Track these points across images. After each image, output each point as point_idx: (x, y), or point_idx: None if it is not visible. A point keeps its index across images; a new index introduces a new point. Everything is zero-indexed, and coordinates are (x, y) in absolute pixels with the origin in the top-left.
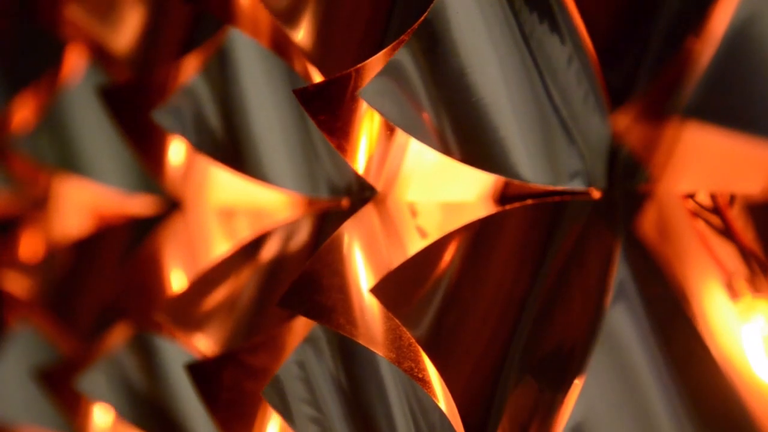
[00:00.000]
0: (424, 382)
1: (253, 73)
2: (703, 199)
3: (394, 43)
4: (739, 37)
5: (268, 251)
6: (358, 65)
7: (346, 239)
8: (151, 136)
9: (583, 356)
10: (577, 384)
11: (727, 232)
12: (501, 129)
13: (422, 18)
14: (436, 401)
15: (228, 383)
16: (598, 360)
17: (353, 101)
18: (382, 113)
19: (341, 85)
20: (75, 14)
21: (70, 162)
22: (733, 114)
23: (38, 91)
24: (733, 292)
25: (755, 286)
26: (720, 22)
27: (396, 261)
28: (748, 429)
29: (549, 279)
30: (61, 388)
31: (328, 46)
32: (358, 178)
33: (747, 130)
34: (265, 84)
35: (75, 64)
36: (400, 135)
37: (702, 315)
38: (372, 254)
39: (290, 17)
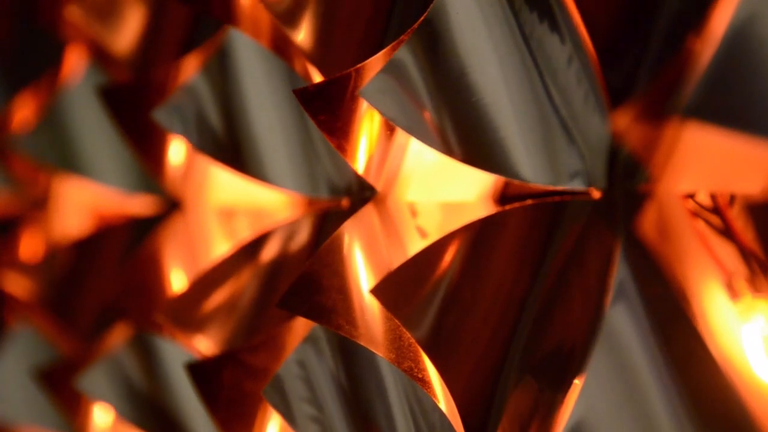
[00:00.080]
0: (424, 382)
1: (253, 73)
2: (703, 199)
3: (393, 43)
4: (739, 37)
5: (268, 251)
6: (358, 65)
7: (346, 239)
8: (151, 136)
9: (583, 356)
10: (577, 384)
11: (727, 232)
12: (501, 129)
13: (422, 18)
14: (436, 401)
15: (228, 383)
16: (598, 360)
17: (353, 101)
18: (382, 112)
19: (341, 85)
20: (75, 15)
21: (70, 162)
22: (733, 114)
23: (38, 91)
24: (733, 292)
25: (755, 286)
26: (720, 22)
27: (396, 261)
28: (748, 429)
29: (549, 279)
30: (61, 388)
31: (328, 46)
32: (358, 178)
33: (747, 130)
34: (265, 84)
35: (75, 64)
36: (400, 135)
37: (702, 315)
38: (372, 254)
39: (290, 17)
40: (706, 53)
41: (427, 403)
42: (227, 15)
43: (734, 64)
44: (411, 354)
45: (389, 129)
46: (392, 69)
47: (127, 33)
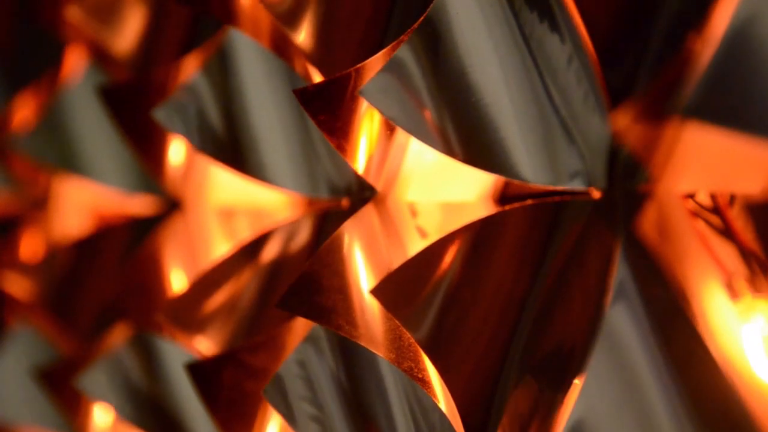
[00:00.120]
0: (424, 382)
1: (253, 73)
2: (703, 199)
3: (393, 43)
4: (739, 37)
5: (268, 251)
6: (358, 65)
7: (346, 239)
8: (151, 136)
9: (583, 356)
10: (577, 384)
11: (727, 232)
12: (501, 129)
13: (421, 18)
14: (436, 401)
15: (228, 383)
16: (598, 360)
17: (353, 101)
18: (382, 112)
19: (341, 85)
20: (75, 15)
21: (70, 162)
22: (733, 114)
23: (38, 91)
24: (733, 292)
25: (755, 286)
26: (720, 22)
27: (396, 261)
28: (748, 429)
29: (549, 279)
30: (61, 387)
31: (328, 46)
32: (358, 178)
33: (747, 130)
34: (265, 84)
35: (75, 64)
36: (400, 135)
37: (702, 315)
38: (372, 254)
39: (290, 18)
40: (706, 53)
41: (427, 403)
42: (227, 15)
43: (734, 64)
44: (411, 354)
45: (389, 129)
46: (393, 68)
47: (127, 33)
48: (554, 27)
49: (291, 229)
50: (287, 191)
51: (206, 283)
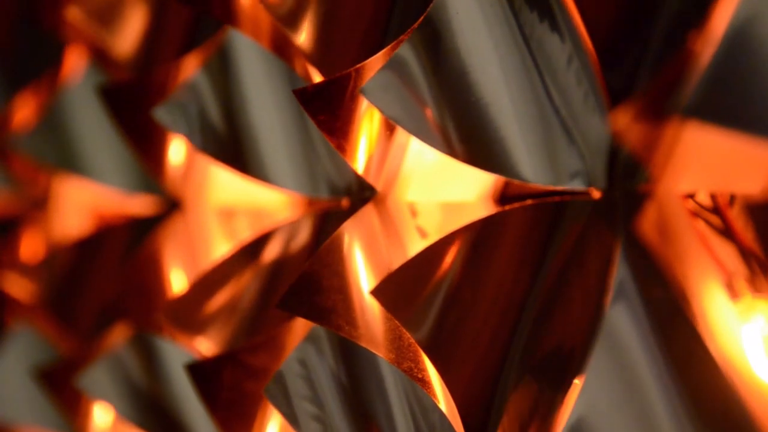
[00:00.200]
0: (424, 382)
1: (253, 73)
2: (703, 199)
3: (393, 43)
4: (739, 36)
5: (269, 252)
6: (358, 65)
7: (346, 239)
8: (151, 136)
9: (583, 356)
10: (577, 384)
11: (727, 232)
12: (501, 129)
13: (421, 18)
14: (436, 401)
15: (228, 383)
16: (598, 360)
17: (353, 101)
18: (382, 110)
19: (341, 85)
20: (75, 15)
21: (70, 162)
22: (733, 114)
23: (38, 91)
24: (733, 292)
25: (755, 286)
26: (720, 21)
27: (396, 261)
28: (748, 429)
29: (549, 279)
30: (61, 387)
31: (329, 46)
32: (358, 178)
33: (747, 130)
34: (265, 84)
35: (75, 64)
36: (400, 135)
37: (702, 315)
38: (372, 254)
39: (290, 19)
40: (706, 53)
41: (427, 403)
42: (227, 15)
43: (734, 64)
44: (411, 354)
45: (389, 129)
46: (393, 66)
47: (127, 33)
48: (554, 27)
49: (291, 229)
50: (287, 191)
51: (206, 284)
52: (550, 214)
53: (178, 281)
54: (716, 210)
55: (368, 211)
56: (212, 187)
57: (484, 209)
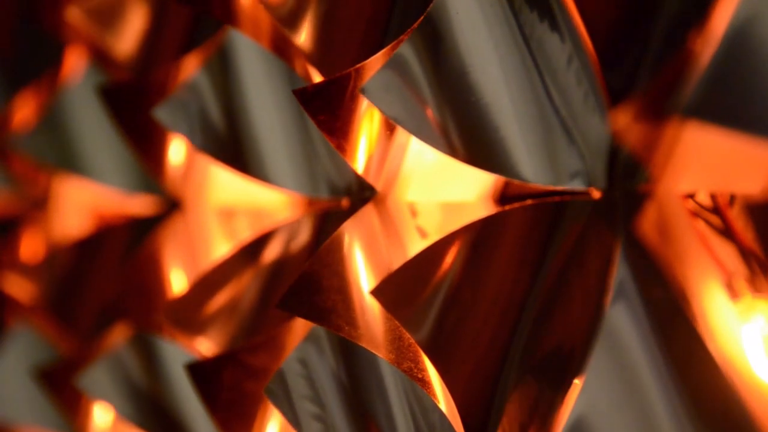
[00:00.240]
0: (424, 382)
1: (253, 73)
2: (703, 199)
3: (393, 43)
4: (739, 36)
5: (269, 252)
6: (358, 65)
7: (346, 239)
8: (151, 136)
9: (583, 356)
10: (577, 384)
11: (727, 232)
12: (501, 129)
13: (421, 18)
14: (436, 401)
15: (228, 383)
16: (598, 360)
17: (353, 101)
18: (383, 110)
19: (341, 85)
20: (75, 16)
21: (70, 162)
22: (733, 114)
23: (38, 91)
24: (733, 292)
25: (755, 286)
26: (720, 21)
27: (396, 261)
28: (748, 429)
29: (549, 279)
30: (61, 387)
31: (328, 46)
32: (358, 178)
33: (747, 130)
34: (265, 84)
35: (75, 64)
36: (400, 135)
37: (702, 315)
38: (372, 254)
39: (290, 19)
40: (706, 53)
41: (427, 403)
42: (227, 15)
43: (734, 64)
44: (411, 354)
45: (389, 129)
46: (393, 66)
47: (127, 33)
48: (554, 27)
49: (291, 230)
50: (287, 191)
51: (206, 284)
52: (550, 214)
53: (178, 281)
54: (716, 210)
55: (368, 211)
56: (212, 187)
57: (484, 209)
